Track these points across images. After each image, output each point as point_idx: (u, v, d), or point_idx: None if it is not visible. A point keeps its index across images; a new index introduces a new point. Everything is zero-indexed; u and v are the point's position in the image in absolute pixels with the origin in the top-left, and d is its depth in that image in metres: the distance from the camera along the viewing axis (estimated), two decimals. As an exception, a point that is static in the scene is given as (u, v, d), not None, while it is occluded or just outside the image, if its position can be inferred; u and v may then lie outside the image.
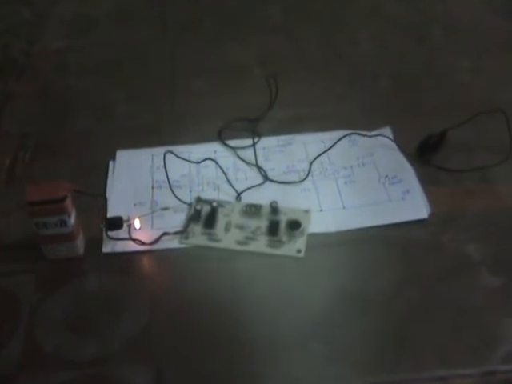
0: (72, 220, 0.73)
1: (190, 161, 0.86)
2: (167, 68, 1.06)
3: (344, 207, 0.81)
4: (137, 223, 0.78)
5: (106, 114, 0.97)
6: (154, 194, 0.83)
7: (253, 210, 0.79)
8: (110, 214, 0.78)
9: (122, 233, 0.77)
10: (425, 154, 0.86)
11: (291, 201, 0.81)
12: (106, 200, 0.77)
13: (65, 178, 0.84)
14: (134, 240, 0.76)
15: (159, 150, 0.87)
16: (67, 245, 0.75)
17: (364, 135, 0.88)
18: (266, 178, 0.85)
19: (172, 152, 0.84)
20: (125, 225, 0.77)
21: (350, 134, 0.89)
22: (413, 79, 1.01)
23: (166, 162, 0.83)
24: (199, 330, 0.69)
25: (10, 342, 0.69)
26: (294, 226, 0.77)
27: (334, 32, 1.12)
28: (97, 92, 1.01)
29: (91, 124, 0.95)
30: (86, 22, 1.18)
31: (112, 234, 0.77)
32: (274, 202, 0.78)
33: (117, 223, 0.77)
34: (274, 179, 0.85)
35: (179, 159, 0.86)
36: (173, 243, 0.77)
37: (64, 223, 0.73)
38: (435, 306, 0.70)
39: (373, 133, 0.89)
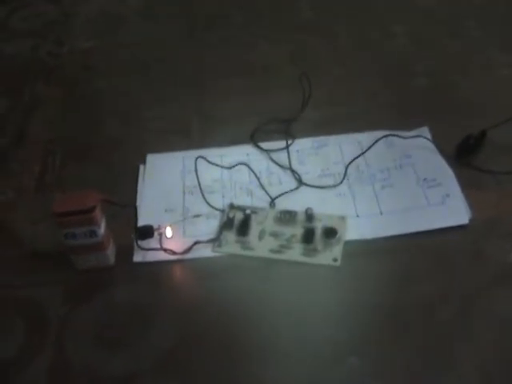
0: (102, 230, 0.72)
1: (222, 166, 0.84)
2: (196, 68, 1.04)
3: (381, 213, 0.78)
4: (168, 232, 0.76)
5: (135, 117, 0.95)
6: (185, 200, 0.81)
7: (287, 217, 0.77)
8: (141, 219, 0.76)
9: (154, 241, 0.75)
10: (464, 155, 0.83)
11: (326, 206, 0.79)
12: (136, 209, 0.75)
13: (95, 184, 0.83)
14: (165, 250, 0.74)
15: (190, 154, 0.85)
16: (97, 255, 0.73)
17: (402, 137, 0.85)
18: (300, 182, 0.82)
19: (203, 157, 0.82)
20: (156, 233, 0.75)
21: (387, 136, 0.85)
22: (449, 75, 0.97)
23: (198, 166, 0.81)
24: (230, 344, 0.67)
25: (38, 355, 0.68)
26: (330, 233, 0.74)
27: (367, 26, 1.09)
28: (125, 94, 1.00)
29: (120, 128, 0.94)
30: (113, 21, 1.16)
31: (143, 243, 0.75)
32: (310, 208, 0.76)
33: (148, 232, 0.75)
34: (309, 183, 0.82)
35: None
36: (205, 252, 0.75)
37: (94, 233, 0.71)
38: (477, 321, 0.67)
39: (411, 133, 0.86)
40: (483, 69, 0.98)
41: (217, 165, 0.83)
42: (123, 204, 0.75)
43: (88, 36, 1.13)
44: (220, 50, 1.07)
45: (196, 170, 0.80)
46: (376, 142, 0.85)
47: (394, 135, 0.85)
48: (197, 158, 0.81)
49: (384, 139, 0.85)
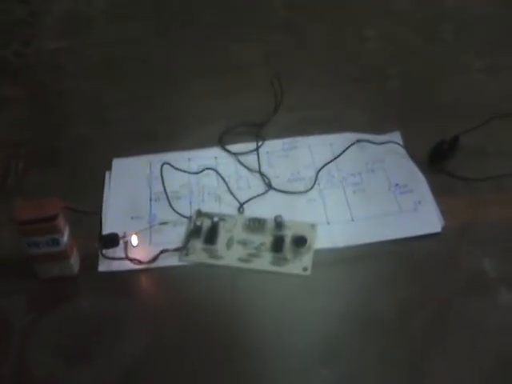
0: (65, 238, 0.70)
1: (189, 172, 0.82)
2: (166, 68, 1.01)
3: (352, 219, 0.77)
4: (134, 240, 0.74)
5: (102, 119, 0.93)
6: (152, 207, 0.79)
7: (256, 225, 0.75)
8: (107, 227, 0.74)
9: (119, 250, 0.73)
10: (437, 160, 0.82)
11: (296, 212, 0.77)
12: (100, 217, 0.73)
13: (60, 189, 0.81)
14: (130, 260, 0.72)
15: (157, 158, 0.83)
16: (60, 264, 0.71)
17: (373, 142, 0.84)
18: (269, 186, 0.81)
19: (170, 164, 0.79)
20: (121, 242, 0.73)
21: (358, 141, 0.84)
22: (423, 79, 0.96)
23: (164, 170, 0.79)
24: (200, 355, 0.65)
25: (0, 365, 0.66)
26: (300, 242, 0.73)
27: (342, 28, 1.07)
28: (93, 95, 0.97)
29: (87, 130, 0.91)
30: (81, 21, 1.14)
31: (108, 251, 0.73)
32: (279, 216, 0.74)
33: (113, 241, 0.73)
34: (279, 188, 0.80)
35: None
36: (172, 260, 0.73)
37: (56, 242, 0.69)
38: (451, 327, 0.66)
39: (382, 139, 0.84)
40: (457, 72, 0.97)
41: (184, 171, 0.81)
42: (87, 211, 0.73)
43: (56, 36, 1.10)
44: (191, 50, 1.05)
45: (162, 177, 0.78)
46: (348, 148, 0.83)
47: (365, 140, 0.84)
48: (163, 164, 0.79)
49: (356, 142, 0.84)
